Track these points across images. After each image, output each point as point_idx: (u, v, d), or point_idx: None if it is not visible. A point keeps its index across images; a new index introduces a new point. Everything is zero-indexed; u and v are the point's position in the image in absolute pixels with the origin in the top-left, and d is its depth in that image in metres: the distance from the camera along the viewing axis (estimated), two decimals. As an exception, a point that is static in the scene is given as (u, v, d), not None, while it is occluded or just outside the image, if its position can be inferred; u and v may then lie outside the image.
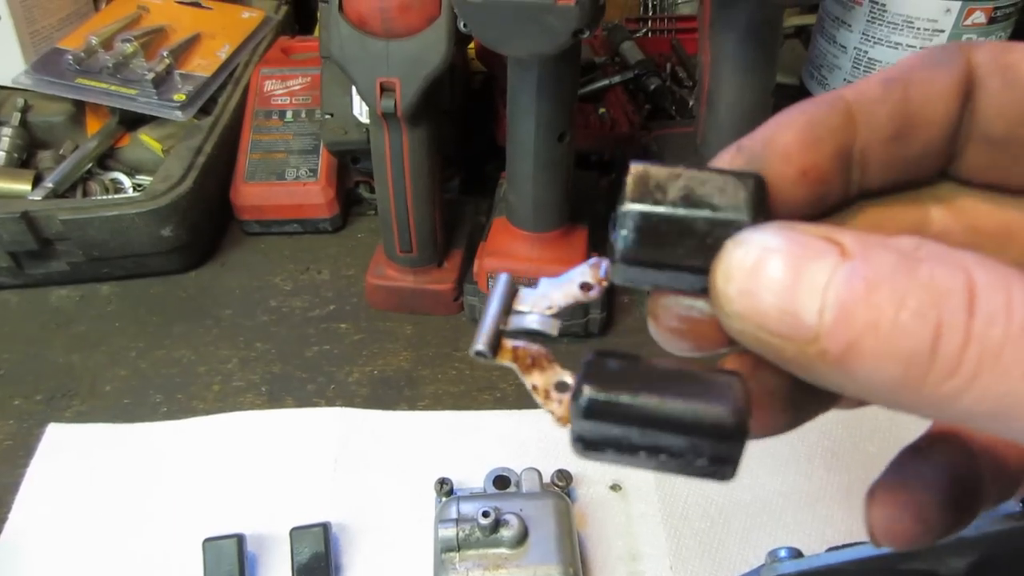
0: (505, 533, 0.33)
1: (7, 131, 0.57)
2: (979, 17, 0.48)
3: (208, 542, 0.35)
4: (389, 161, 0.45)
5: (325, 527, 0.36)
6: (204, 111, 0.59)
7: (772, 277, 0.12)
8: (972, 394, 0.11)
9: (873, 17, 0.50)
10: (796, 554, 0.26)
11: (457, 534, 0.33)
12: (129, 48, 0.60)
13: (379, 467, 0.41)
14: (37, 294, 0.53)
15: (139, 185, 0.58)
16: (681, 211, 0.14)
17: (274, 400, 0.45)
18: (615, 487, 0.40)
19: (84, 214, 0.49)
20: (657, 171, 0.14)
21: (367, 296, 0.51)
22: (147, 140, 0.59)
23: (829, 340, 0.11)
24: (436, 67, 0.40)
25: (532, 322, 0.15)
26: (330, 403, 0.45)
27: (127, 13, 0.65)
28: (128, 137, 0.60)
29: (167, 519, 0.39)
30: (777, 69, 0.44)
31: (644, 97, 0.64)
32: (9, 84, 0.59)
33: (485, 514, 0.33)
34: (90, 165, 0.57)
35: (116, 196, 0.56)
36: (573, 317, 0.47)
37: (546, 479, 0.38)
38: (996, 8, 0.48)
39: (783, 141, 0.15)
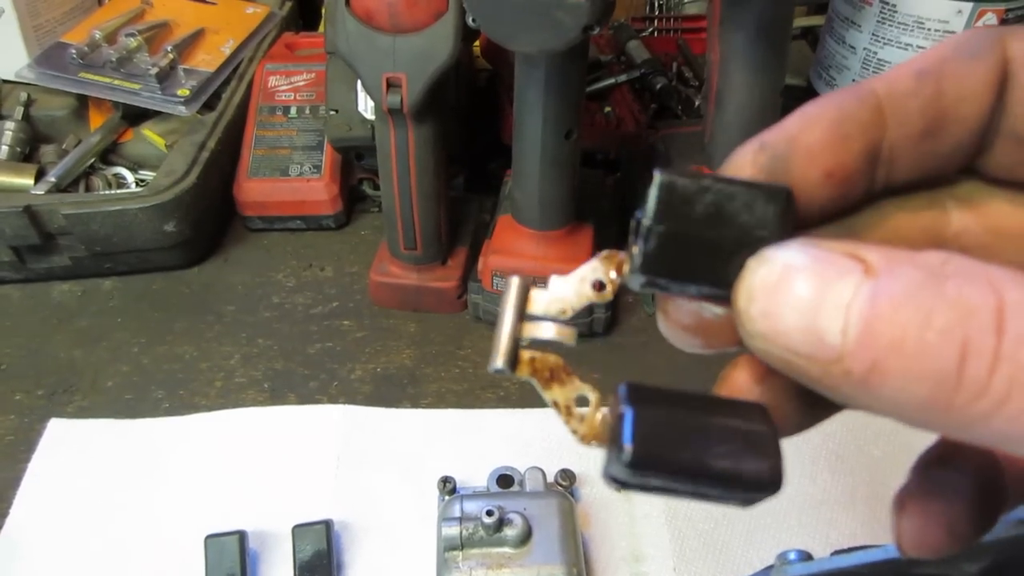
0: (509, 532, 0.33)
1: (10, 125, 0.56)
2: (991, 19, 0.48)
3: (210, 539, 0.35)
4: (394, 158, 0.44)
5: (327, 524, 0.36)
6: (208, 106, 0.58)
7: (795, 296, 0.12)
8: (1002, 416, 0.11)
9: (883, 18, 0.50)
10: (806, 557, 0.26)
11: (460, 533, 0.33)
12: (133, 42, 0.60)
13: (382, 465, 0.41)
14: (39, 289, 0.52)
15: (142, 180, 0.57)
16: (707, 230, 0.13)
17: (276, 397, 0.45)
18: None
19: (87, 209, 0.48)
20: (684, 183, 0.13)
21: (370, 293, 0.51)
22: (150, 135, 0.58)
23: (853, 360, 0.11)
24: (443, 63, 0.40)
25: (548, 332, 0.15)
26: (333, 400, 0.45)
27: (131, 7, 0.64)
28: (131, 132, 0.59)
29: (169, 515, 0.39)
30: (787, 69, 0.44)
31: (650, 96, 0.64)
32: (12, 78, 0.59)
33: (489, 513, 0.32)
34: (93, 160, 0.57)
35: (119, 191, 0.56)
36: (578, 315, 0.46)
37: (550, 478, 0.38)
38: (1008, 10, 0.48)
39: (809, 140, 0.14)
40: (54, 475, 0.40)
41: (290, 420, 0.43)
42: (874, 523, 0.39)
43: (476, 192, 0.58)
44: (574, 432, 0.15)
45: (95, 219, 0.49)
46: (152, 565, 0.37)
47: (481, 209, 0.55)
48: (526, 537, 0.33)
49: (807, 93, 0.62)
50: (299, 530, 0.35)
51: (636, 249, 0.14)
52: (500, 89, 0.61)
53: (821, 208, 0.14)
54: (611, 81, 0.63)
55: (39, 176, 0.54)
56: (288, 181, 0.56)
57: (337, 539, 0.37)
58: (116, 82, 0.58)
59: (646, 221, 0.14)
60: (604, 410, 0.15)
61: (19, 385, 0.46)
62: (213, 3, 0.68)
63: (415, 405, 0.44)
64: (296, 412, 0.44)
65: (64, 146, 0.58)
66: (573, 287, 0.15)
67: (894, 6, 0.50)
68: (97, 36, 0.60)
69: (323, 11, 0.62)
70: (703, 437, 0.13)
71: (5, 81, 0.61)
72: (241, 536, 0.35)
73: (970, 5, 0.47)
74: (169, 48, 0.60)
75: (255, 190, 0.56)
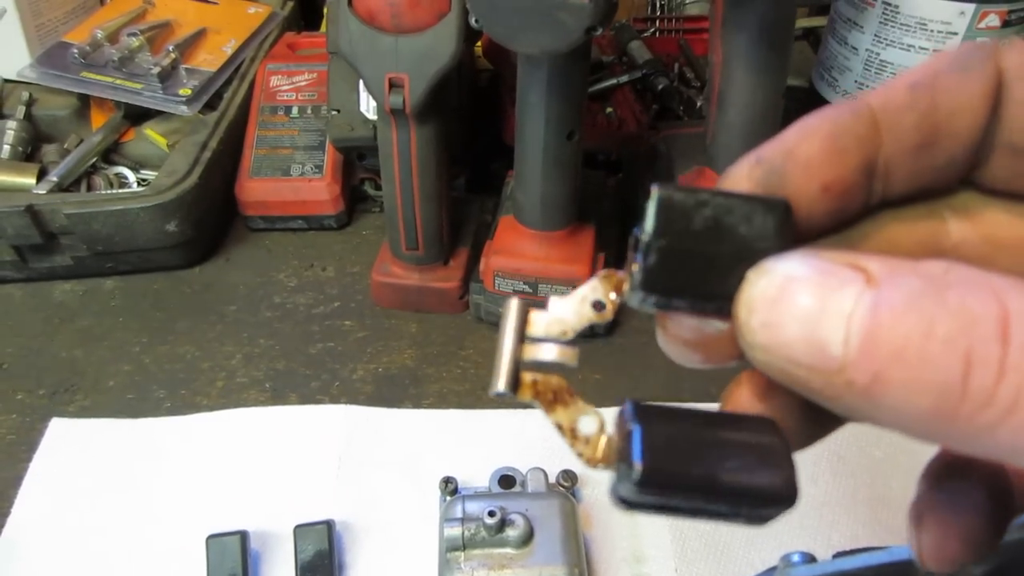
0: (511, 533, 0.33)
1: (12, 124, 0.56)
2: (993, 20, 0.48)
3: (212, 539, 0.35)
4: (396, 158, 0.44)
5: (329, 525, 0.36)
6: (209, 106, 0.59)
7: (796, 306, 0.12)
8: (1008, 427, 0.10)
9: (885, 19, 0.50)
10: (809, 559, 0.26)
11: (462, 533, 0.33)
12: (135, 42, 0.60)
13: (383, 465, 0.41)
14: (41, 288, 0.52)
15: (144, 180, 0.57)
16: (706, 244, 0.13)
17: (278, 397, 0.45)
18: (621, 488, 0.40)
19: (89, 208, 0.48)
20: (681, 198, 0.13)
21: (372, 293, 0.51)
22: (152, 135, 0.58)
23: (855, 370, 0.11)
24: (446, 63, 0.40)
25: (549, 353, 0.15)
26: (334, 400, 0.45)
27: (133, 7, 0.64)
28: (133, 131, 0.59)
29: (170, 515, 0.39)
30: (789, 70, 0.44)
31: (652, 97, 0.64)
32: (14, 77, 0.59)
33: (491, 513, 0.33)
34: (95, 159, 0.57)
35: (121, 191, 0.56)
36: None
37: (551, 479, 0.38)
38: (1011, 11, 0.47)
39: (806, 153, 0.14)
40: (55, 475, 0.40)
41: (292, 420, 0.43)
42: (876, 524, 0.39)
43: (478, 192, 0.58)
44: (580, 455, 0.15)
45: (97, 219, 0.49)
46: (153, 565, 0.37)
47: (483, 209, 0.55)
48: (528, 538, 0.33)
49: (809, 94, 0.62)
50: (301, 530, 0.35)
51: (636, 266, 0.14)
52: (502, 89, 0.61)
53: (819, 221, 0.14)
54: (613, 82, 0.63)
55: (41, 175, 0.54)
56: (290, 181, 0.56)
57: (339, 539, 0.37)
58: (118, 82, 0.58)
59: (645, 236, 0.13)
60: (610, 432, 0.15)
61: (21, 384, 0.46)
62: (215, 3, 0.68)
63: (417, 405, 0.44)
64: (298, 412, 0.44)
65: (66, 145, 0.58)
66: (573, 308, 0.15)
67: (896, 7, 0.50)
68: (99, 36, 0.60)
69: (325, 11, 0.62)
70: (713, 452, 0.13)
71: (7, 80, 0.61)
72: (243, 536, 0.35)
73: (972, 7, 0.47)
74: (171, 48, 0.60)
75: (257, 190, 0.56)
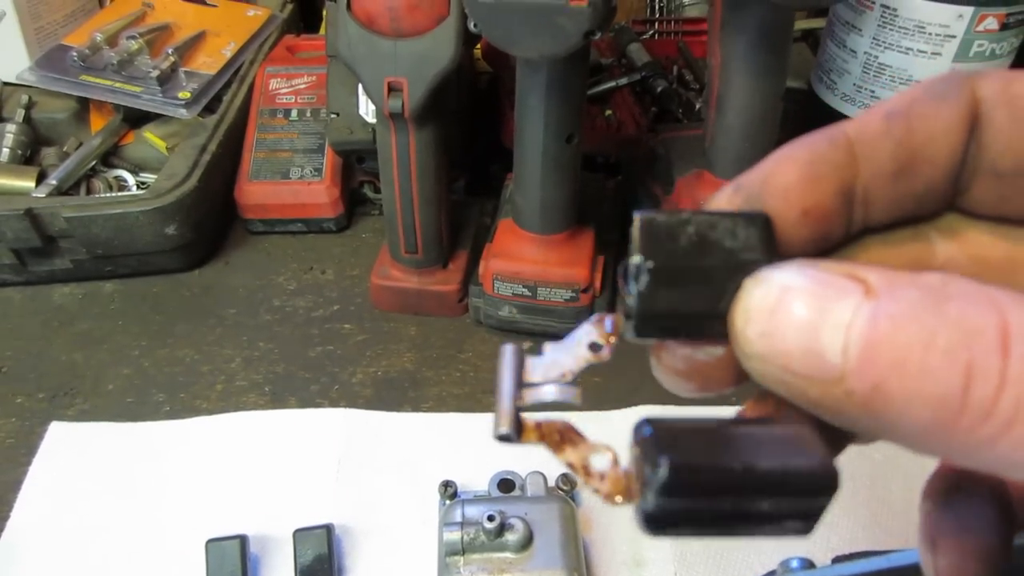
0: (510, 537, 0.33)
1: (11, 128, 0.56)
2: (991, 23, 0.48)
3: (211, 543, 0.35)
4: (395, 161, 0.44)
5: (328, 529, 0.36)
6: (209, 109, 0.59)
7: (794, 315, 0.12)
8: (1009, 440, 0.10)
9: (884, 22, 0.50)
10: (808, 564, 0.26)
11: (462, 538, 0.33)
12: (134, 45, 0.60)
13: (383, 469, 0.41)
14: (40, 292, 0.52)
15: (143, 183, 0.57)
16: (695, 259, 0.13)
17: (277, 400, 0.45)
18: (620, 492, 0.40)
19: (88, 212, 0.48)
20: (663, 218, 0.14)
21: (371, 297, 0.51)
22: (151, 138, 0.58)
23: (855, 379, 0.11)
24: (444, 67, 0.40)
25: (550, 393, 0.15)
26: (333, 404, 0.45)
27: (132, 10, 0.64)
28: (132, 135, 0.59)
29: (170, 519, 0.38)
30: (788, 73, 0.44)
31: (651, 99, 0.64)
32: (13, 80, 0.59)
33: (490, 518, 0.32)
34: (94, 162, 0.57)
35: (120, 194, 0.56)
36: (578, 320, 0.46)
37: (551, 483, 0.38)
38: (1008, 14, 0.48)
39: (783, 180, 0.14)
40: (55, 478, 0.40)
41: (291, 424, 0.43)
42: (875, 527, 0.39)
43: (477, 195, 0.58)
44: (596, 491, 0.14)
45: (96, 222, 0.49)
46: (153, 569, 0.37)
47: (482, 212, 0.55)
48: (527, 542, 0.33)
49: (808, 96, 0.62)
50: (300, 534, 0.35)
51: (629, 297, 0.14)
52: (501, 92, 0.61)
53: (801, 247, 0.14)
54: (612, 84, 0.63)
55: (40, 179, 0.54)
56: (289, 184, 0.56)
57: (338, 543, 0.37)
58: (117, 85, 0.58)
59: (635, 260, 0.13)
60: (623, 466, 0.14)
61: (20, 388, 0.46)
62: (214, 6, 0.68)
63: (416, 409, 0.45)
64: (297, 416, 0.44)
65: (65, 149, 0.58)
66: (570, 351, 0.15)
67: (895, 10, 0.50)
68: (98, 39, 0.60)
69: (324, 13, 0.62)
70: (742, 444, 0.12)
71: (6, 84, 0.61)
72: (242, 540, 0.35)
73: (971, 10, 0.47)
74: (170, 51, 0.60)
75: (256, 193, 0.56)
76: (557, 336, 0.16)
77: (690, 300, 0.13)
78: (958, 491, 0.17)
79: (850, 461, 0.45)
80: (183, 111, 0.57)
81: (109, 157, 0.59)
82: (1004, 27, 0.49)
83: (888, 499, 0.40)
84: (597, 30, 0.34)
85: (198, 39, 0.64)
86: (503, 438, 0.14)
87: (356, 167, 0.57)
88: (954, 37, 0.49)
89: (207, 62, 0.62)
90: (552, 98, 0.39)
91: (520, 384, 0.15)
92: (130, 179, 0.58)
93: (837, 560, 0.32)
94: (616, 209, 0.54)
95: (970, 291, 0.11)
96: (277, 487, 0.40)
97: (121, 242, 0.50)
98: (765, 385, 0.13)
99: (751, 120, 0.43)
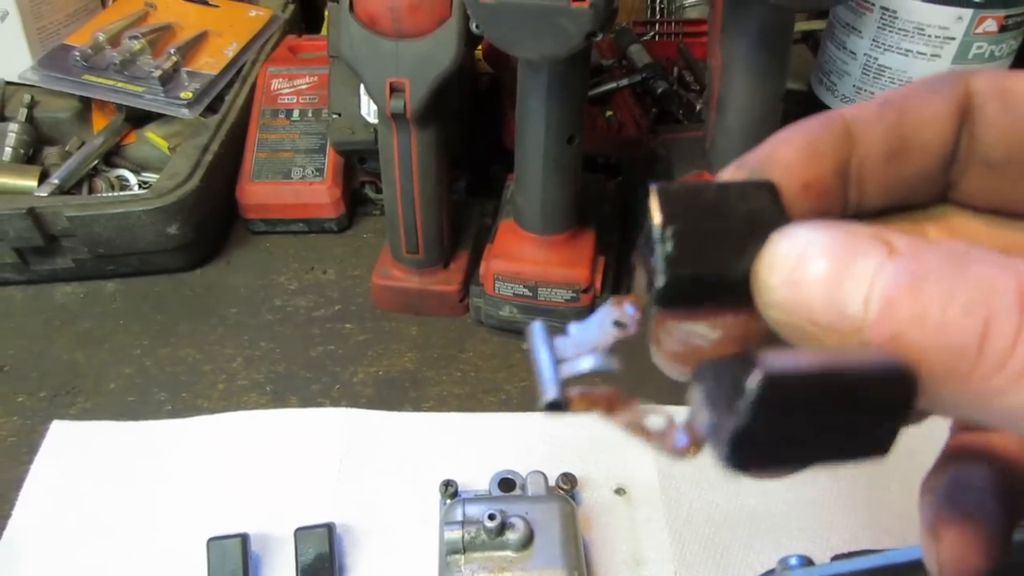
0: (511, 536, 0.33)
1: (13, 127, 0.56)
2: (990, 25, 0.48)
3: (212, 541, 0.35)
4: (397, 162, 0.44)
5: (329, 528, 0.36)
6: (211, 109, 0.59)
7: (819, 267, 0.12)
8: (1019, 392, 0.11)
9: (884, 24, 0.50)
10: (807, 562, 0.26)
11: (462, 536, 0.33)
12: (136, 45, 0.60)
13: (384, 468, 0.41)
14: (42, 290, 0.53)
15: (145, 182, 0.58)
16: (716, 220, 0.14)
17: (278, 400, 0.45)
18: (620, 491, 0.40)
19: (90, 211, 0.49)
20: (678, 187, 0.14)
21: (372, 296, 0.51)
22: (153, 137, 0.59)
23: (873, 331, 0.11)
24: (446, 68, 0.40)
25: (588, 363, 0.14)
26: (335, 403, 0.45)
27: (134, 10, 0.65)
28: (134, 134, 0.59)
29: (171, 518, 0.39)
30: (788, 74, 0.44)
31: (651, 100, 0.64)
32: (16, 80, 0.59)
33: (491, 516, 0.33)
34: (96, 162, 0.57)
35: (122, 193, 0.56)
36: (579, 320, 0.47)
37: (551, 482, 0.38)
38: (1008, 16, 0.48)
39: (784, 156, 0.15)
40: (56, 477, 0.41)
41: (292, 423, 0.43)
42: (874, 527, 0.39)
43: (478, 195, 0.58)
44: (663, 449, 0.14)
45: (98, 221, 0.49)
46: (154, 568, 0.37)
47: (483, 213, 0.55)
48: (528, 541, 0.33)
49: (808, 98, 0.62)
50: (301, 533, 0.35)
51: (653, 266, 0.14)
52: (502, 93, 0.61)
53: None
54: (612, 85, 0.64)
55: (42, 178, 0.54)
56: (290, 184, 0.56)
57: (339, 542, 0.37)
58: (119, 84, 0.58)
59: (657, 227, 0.13)
60: (682, 416, 0.14)
61: (22, 387, 0.46)
62: (216, 6, 0.69)
63: (417, 408, 0.45)
64: (298, 415, 0.44)
65: (67, 148, 0.58)
66: (596, 329, 0.15)
67: (895, 12, 0.50)
68: (101, 38, 0.60)
69: (326, 14, 0.62)
70: (815, 358, 0.12)
71: (9, 83, 0.61)
72: (243, 539, 0.35)
73: (970, 12, 0.48)
74: (172, 51, 0.60)
75: (258, 193, 0.56)
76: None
77: (715, 260, 0.13)
78: (959, 482, 0.17)
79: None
80: (185, 111, 0.57)
81: (111, 157, 0.59)
82: (1003, 29, 0.49)
83: (887, 499, 0.40)
84: (599, 31, 0.34)
85: (200, 39, 0.64)
86: (552, 406, 0.14)
87: (357, 167, 0.57)
88: (953, 39, 0.49)
89: (209, 62, 0.62)
90: (553, 99, 0.39)
91: (556, 355, 0.15)
92: (132, 179, 0.58)
93: (836, 559, 0.32)
94: (617, 210, 0.54)
95: (990, 257, 0.11)
96: (278, 486, 0.40)
97: (123, 241, 0.50)
98: (783, 335, 0.13)
99: (751, 121, 0.44)
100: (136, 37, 0.60)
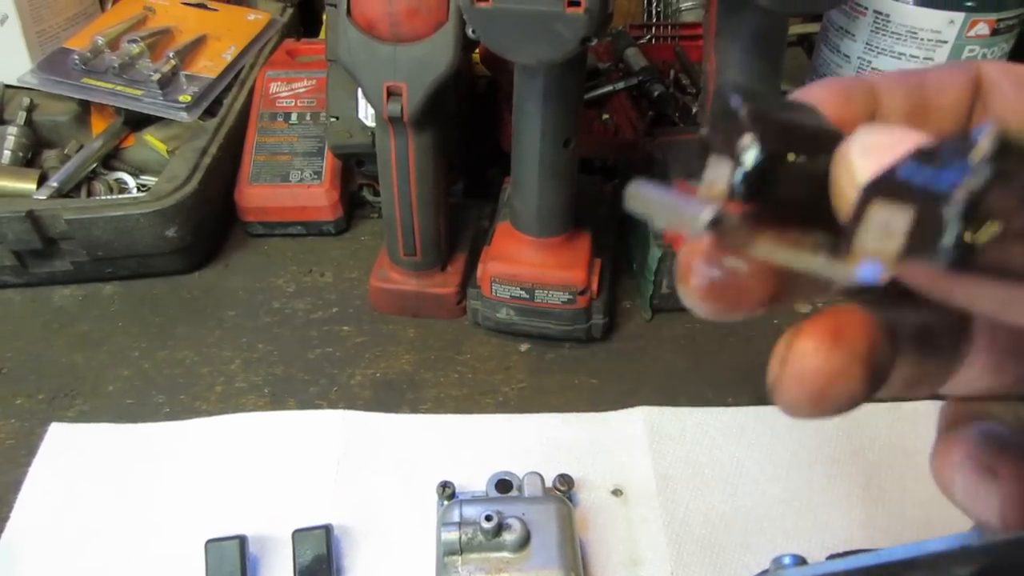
0: (507, 537, 0.33)
1: (12, 130, 0.57)
2: (982, 29, 0.48)
3: (210, 543, 0.35)
4: (394, 165, 0.45)
5: (327, 529, 0.36)
6: (209, 112, 0.59)
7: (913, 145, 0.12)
8: None
9: (877, 27, 0.51)
10: (800, 561, 0.27)
11: (460, 538, 0.33)
12: (135, 49, 0.60)
13: (381, 470, 0.41)
14: (40, 293, 0.53)
15: (144, 185, 0.58)
16: (796, 124, 0.13)
17: (276, 402, 0.45)
18: (616, 492, 0.40)
19: (89, 214, 0.49)
20: (752, 96, 0.13)
21: (370, 299, 0.51)
22: (152, 141, 0.59)
23: None
24: (443, 72, 0.40)
25: (710, 214, 0.12)
26: (332, 405, 0.45)
27: (133, 14, 0.65)
28: (133, 137, 0.60)
29: (169, 520, 0.39)
30: (782, 78, 0.44)
31: (647, 103, 0.64)
32: (15, 83, 0.59)
33: (488, 518, 0.33)
34: (95, 165, 0.57)
35: (121, 196, 0.56)
36: (575, 322, 0.47)
37: (548, 483, 0.38)
38: (999, 20, 0.48)
39: (818, 95, 0.15)
40: (55, 480, 0.41)
41: (290, 425, 0.43)
42: (870, 526, 0.39)
43: (475, 198, 0.58)
44: (852, 262, 0.11)
45: (97, 224, 0.49)
46: (152, 570, 0.37)
47: (480, 215, 0.56)
48: (524, 542, 0.33)
49: (803, 101, 0.63)
50: (299, 535, 0.36)
51: (745, 159, 0.12)
52: (499, 96, 0.61)
53: None
54: (609, 88, 0.64)
55: (41, 181, 0.54)
56: (289, 187, 0.56)
57: (337, 544, 0.37)
58: (118, 88, 0.58)
59: (735, 103, 0.13)
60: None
61: (20, 389, 0.46)
62: (215, 10, 0.69)
63: (414, 410, 0.45)
64: (296, 417, 0.44)
65: (66, 151, 0.58)
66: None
67: (887, 16, 0.50)
68: (100, 42, 0.60)
69: (324, 17, 0.63)
70: None
71: (8, 86, 0.61)
72: (241, 541, 0.35)
73: (962, 15, 0.48)
74: (171, 54, 0.61)
75: (256, 196, 0.56)
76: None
77: (800, 145, 0.13)
78: (988, 429, 0.16)
79: (844, 462, 0.46)
80: (184, 114, 0.58)
81: (110, 160, 0.59)
82: (995, 32, 0.49)
83: (882, 499, 0.40)
84: (593, 36, 0.34)
85: (199, 43, 0.64)
86: (715, 223, 0.12)
87: (355, 170, 0.57)
88: (946, 42, 0.49)
89: (208, 65, 0.62)
90: (549, 103, 0.40)
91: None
92: (131, 182, 0.58)
93: (832, 559, 0.33)
94: (613, 213, 0.54)
95: None
96: (276, 488, 0.40)
97: (121, 244, 0.50)
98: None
99: (746, 124, 0.44)
100: (135, 41, 0.60)
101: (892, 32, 0.51)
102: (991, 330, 0.16)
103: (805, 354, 0.14)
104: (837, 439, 0.43)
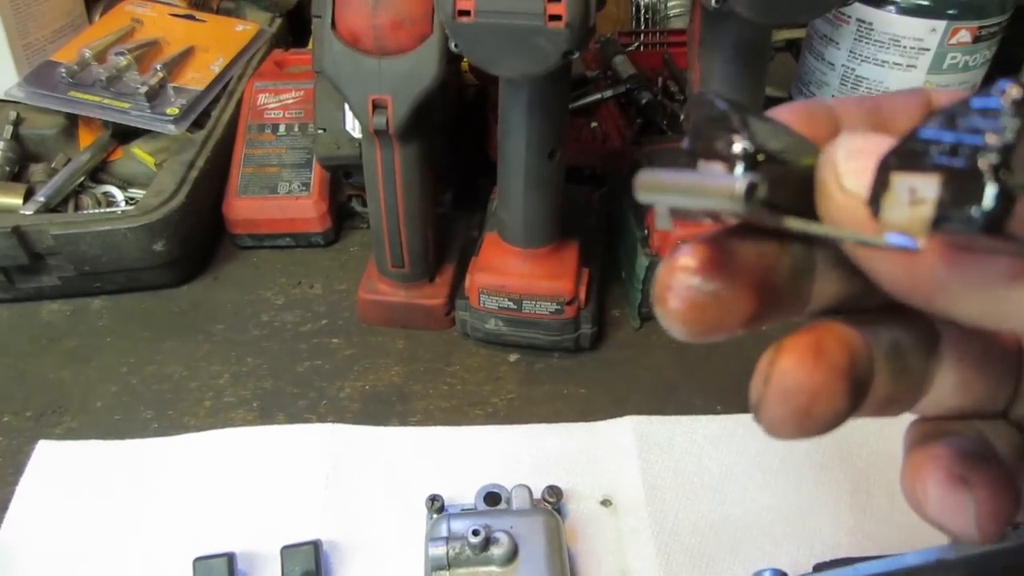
0: (495, 551, 0.33)
1: (-1, 144, 0.56)
2: (964, 36, 0.49)
3: (199, 561, 0.35)
4: (381, 177, 0.45)
5: (316, 545, 0.36)
6: (197, 124, 0.59)
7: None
8: None
9: (860, 35, 0.51)
10: (781, 575, 0.27)
11: (447, 552, 0.33)
12: (122, 61, 0.60)
13: (370, 484, 0.41)
14: (27, 308, 0.53)
15: (132, 198, 0.58)
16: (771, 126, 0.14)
17: (265, 416, 0.45)
18: (606, 502, 0.40)
19: (76, 229, 0.49)
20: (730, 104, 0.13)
21: (359, 311, 0.51)
22: (140, 153, 0.59)
23: None
24: (428, 85, 0.40)
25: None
26: (321, 419, 0.45)
27: (121, 26, 0.65)
28: (121, 150, 0.60)
29: (157, 537, 0.39)
30: (765, 86, 0.45)
31: (636, 111, 0.65)
32: (1, 96, 0.59)
33: (475, 532, 0.33)
34: (82, 179, 0.57)
35: (108, 210, 0.56)
36: (564, 332, 0.47)
37: (537, 495, 0.38)
38: (981, 27, 0.49)
39: (784, 115, 0.15)
40: (42, 497, 0.40)
41: (279, 440, 0.43)
42: (858, 533, 0.39)
43: (464, 208, 0.58)
44: (890, 229, 0.11)
45: (84, 239, 0.49)
46: (141, 587, 0.37)
47: (469, 226, 0.56)
48: (512, 556, 0.33)
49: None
50: (288, 551, 0.35)
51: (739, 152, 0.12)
52: (487, 105, 0.61)
53: None
54: (597, 96, 0.64)
55: (28, 196, 0.54)
56: (277, 199, 0.56)
57: (326, 559, 0.37)
58: (106, 101, 0.58)
59: (730, 110, 0.13)
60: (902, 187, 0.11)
61: (7, 406, 0.46)
62: (203, 21, 0.69)
63: (404, 423, 0.45)
64: (285, 432, 0.44)
65: (53, 165, 0.58)
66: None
67: (870, 24, 0.51)
68: (87, 55, 0.60)
69: (312, 28, 0.63)
70: None
71: (-6, 101, 0.61)
72: (230, 558, 0.35)
73: (943, 23, 0.48)
74: (159, 66, 0.61)
75: (244, 208, 0.56)
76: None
77: (788, 150, 0.13)
78: (958, 443, 0.16)
79: (832, 468, 0.46)
80: (171, 127, 0.57)
81: (98, 173, 0.59)
82: (977, 40, 0.50)
83: (870, 505, 0.40)
84: (575, 50, 0.34)
85: (186, 54, 0.64)
86: (750, 191, 0.11)
87: (343, 181, 0.57)
88: (928, 50, 0.50)
89: (195, 77, 0.62)
90: (534, 115, 0.40)
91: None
92: (119, 195, 0.58)
93: (818, 568, 0.33)
94: (601, 221, 0.54)
95: None
96: (265, 504, 0.40)
97: (109, 259, 0.50)
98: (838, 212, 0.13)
99: (731, 134, 0.44)
100: (122, 53, 0.60)
101: (875, 40, 0.51)
102: (959, 346, 0.16)
103: (788, 370, 0.14)
104: (825, 445, 0.43)
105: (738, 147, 0.12)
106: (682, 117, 0.64)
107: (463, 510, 0.37)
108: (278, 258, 0.57)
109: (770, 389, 0.14)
